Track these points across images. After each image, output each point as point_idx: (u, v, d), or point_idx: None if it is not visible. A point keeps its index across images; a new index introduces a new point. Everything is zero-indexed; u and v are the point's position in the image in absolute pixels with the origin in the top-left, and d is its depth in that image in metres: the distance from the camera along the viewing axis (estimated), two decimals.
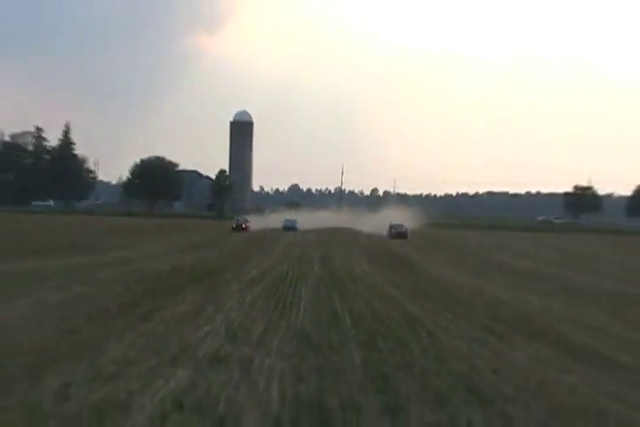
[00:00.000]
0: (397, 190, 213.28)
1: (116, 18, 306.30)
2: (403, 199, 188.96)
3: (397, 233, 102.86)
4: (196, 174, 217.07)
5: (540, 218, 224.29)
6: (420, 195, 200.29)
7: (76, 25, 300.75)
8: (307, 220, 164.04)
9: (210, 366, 20.12)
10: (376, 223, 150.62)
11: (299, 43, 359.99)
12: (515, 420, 16.05)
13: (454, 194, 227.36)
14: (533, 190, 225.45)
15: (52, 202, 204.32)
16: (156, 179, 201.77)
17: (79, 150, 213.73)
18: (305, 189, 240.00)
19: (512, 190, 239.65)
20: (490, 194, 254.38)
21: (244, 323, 27.69)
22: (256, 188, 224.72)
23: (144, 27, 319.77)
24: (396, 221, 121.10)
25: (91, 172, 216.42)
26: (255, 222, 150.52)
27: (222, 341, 24.00)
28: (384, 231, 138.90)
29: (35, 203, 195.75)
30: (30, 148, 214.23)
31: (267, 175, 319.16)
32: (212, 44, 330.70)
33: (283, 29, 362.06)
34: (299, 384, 18.50)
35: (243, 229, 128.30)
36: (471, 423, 15.57)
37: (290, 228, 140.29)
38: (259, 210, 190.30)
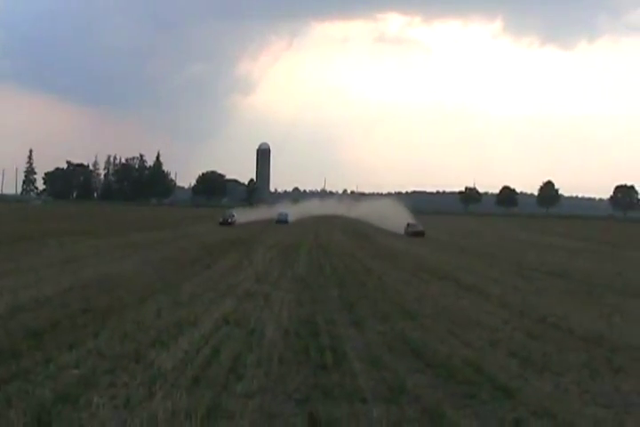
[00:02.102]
0: (360, 190, 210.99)
1: (187, 86, 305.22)
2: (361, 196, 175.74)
3: (414, 232, 70.79)
4: (236, 182, 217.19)
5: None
6: (374, 193, 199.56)
7: (163, 89, 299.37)
8: (302, 208, 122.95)
9: (245, 298, 20.26)
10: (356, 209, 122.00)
11: (301, 98, 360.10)
12: (430, 328, 16.22)
13: (393, 192, 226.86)
14: (434, 190, 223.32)
15: (154, 200, 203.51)
16: (211, 184, 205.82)
17: (165, 167, 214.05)
18: (302, 190, 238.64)
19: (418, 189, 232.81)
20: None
21: (266, 271, 27.83)
22: (272, 189, 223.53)
23: (204, 90, 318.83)
24: (410, 221, 77.49)
25: (172, 180, 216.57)
26: (264, 212, 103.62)
27: (252, 282, 24.15)
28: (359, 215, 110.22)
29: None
30: (136, 166, 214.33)
31: (279, 182, 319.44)
32: (245, 101, 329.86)
33: (291, 89, 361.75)
34: (299, 308, 18.64)
35: (229, 223, 78.95)
36: (404, 330, 15.72)
37: (282, 221, 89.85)
38: (270, 202, 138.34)
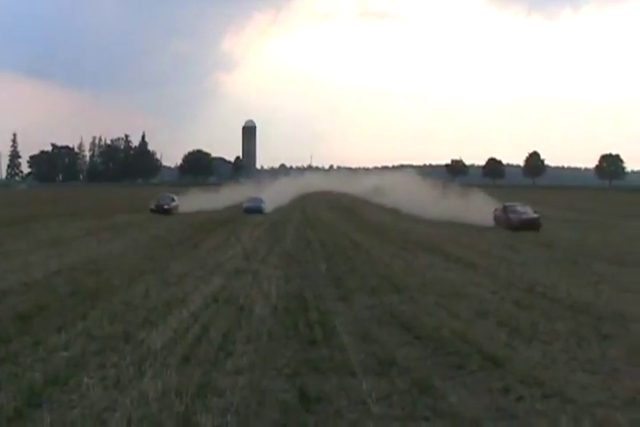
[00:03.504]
0: (346, 165, 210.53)
1: (170, 64, 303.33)
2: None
3: (524, 221, 40.24)
4: (222, 160, 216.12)
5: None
6: (360, 168, 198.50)
7: (146, 68, 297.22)
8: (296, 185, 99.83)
9: (234, 275, 20.26)
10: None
11: (284, 76, 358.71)
12: (418, 301, 16.28)
13: (380, 166, 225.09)
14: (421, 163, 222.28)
15: (140, 180, 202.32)
16: (197, 163, 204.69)
17: (151, 147, 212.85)
18: (288, 166, 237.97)
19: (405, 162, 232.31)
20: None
21: (254, 248, 27.82)
22: (258, 166, 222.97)
23: (189, 69, 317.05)
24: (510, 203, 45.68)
25: (158, 160, 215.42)
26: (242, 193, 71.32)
27: (241, 260, 24.15)
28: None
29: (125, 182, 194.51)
30: (122, 147, 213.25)
31: (265, 158, 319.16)
32: (230, 78, 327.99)
33: (273, 68, 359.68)
34: (287, 284, 18.65)
35: (165, 211, 55.42)
36: (392, 303, 15.77)
37: (253, 210, 56.35)
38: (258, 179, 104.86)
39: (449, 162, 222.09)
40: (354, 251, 27.36)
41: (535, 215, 41.15)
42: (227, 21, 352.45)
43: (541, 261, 24.62)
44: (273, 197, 67.62)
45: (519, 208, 43.15)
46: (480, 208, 47.06)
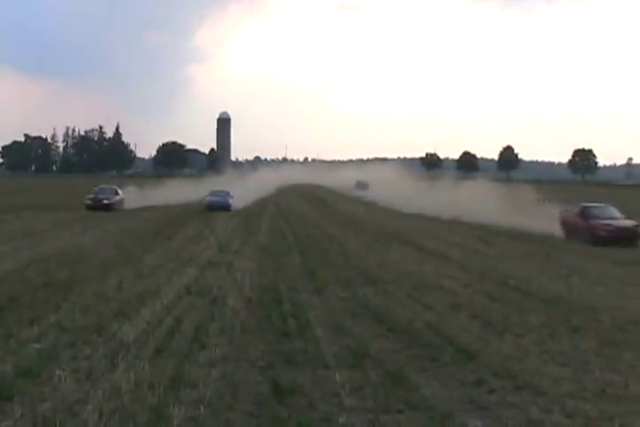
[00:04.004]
0: (321, 158, 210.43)
1: (144, 55, 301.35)
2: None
3: (617, 232, 28.61)
4: (196, 152, 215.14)
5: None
6: (335, 160, 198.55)
7: (120, 59, 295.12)
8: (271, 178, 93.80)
9: (207, 267, 20.22)
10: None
11: (259, 67, 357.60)
12: (391, 292, 16.34)
13: (354, 159, 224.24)
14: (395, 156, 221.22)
15: (114, 172, 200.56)
16: (172, 155, 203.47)
17: (125, 139, 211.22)
18: (263, 158, 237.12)
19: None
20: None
21: (228, 240, 27.77)
22: (233, 158, 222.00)
23: (161, 61, 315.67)
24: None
25: (132, 152, 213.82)
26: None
27: (214, 252, 24.10)
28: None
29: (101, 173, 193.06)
30: (96, 138, 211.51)
31: (239, 150, 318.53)
32: (204, 69, 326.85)
33: (248, 59, 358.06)
34: (261, 277, 18.64)
35: (105, 207, 45.33)
36: (366, 296, 15.80)
37: (217, 206, 47.59)
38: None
39: (423, 155, 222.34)
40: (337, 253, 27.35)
41: (631, 223, 29.99)
42: (201, 12, 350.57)
43: (515, 254, 24.80)
44: (250, 190, 63.70)
45: (606, 211, 31.49)
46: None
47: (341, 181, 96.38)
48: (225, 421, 7.75)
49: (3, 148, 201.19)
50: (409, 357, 10.57)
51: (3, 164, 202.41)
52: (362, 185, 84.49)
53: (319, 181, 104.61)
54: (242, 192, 57.79)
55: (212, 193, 51.47)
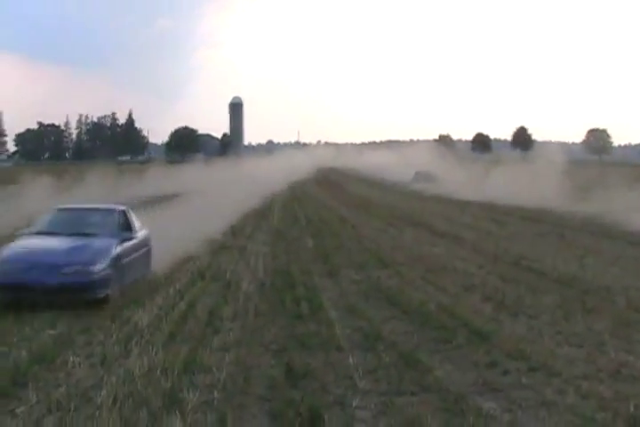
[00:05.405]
0: (333, 141, 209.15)
1: (156, 41, 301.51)
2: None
3: None
4: (209, 137, 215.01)
5: None
6: (347, 143, 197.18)
7: (132, 45, 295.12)
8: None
9: (220, 252, 20.25)
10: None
11: (271, 51, 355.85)
12: (404, 274, 16.31)
13: (367, 142, 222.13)
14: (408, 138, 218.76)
15: (129, 157, 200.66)
16: (184, 140, 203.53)
17: (137, 124, 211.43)
18: (275, 142, 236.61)
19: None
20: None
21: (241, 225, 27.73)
22: (245, 143, 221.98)
23: (175, 45, 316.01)
24: None
25: (145, 137, 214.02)
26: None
27: (228, 236, 24.08)
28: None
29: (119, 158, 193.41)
30: (108, 125, 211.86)
31: (252, 135, 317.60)
32: (216, 54, 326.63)
33: (260, 43, 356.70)
34: (274, 260, 18.66)
35: None
36: (379, 278, 15.79)
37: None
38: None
39: (436, 137, 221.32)
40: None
41: None
42: None
43: (528, 235, 24.67)
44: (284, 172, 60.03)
45: None
46: None
47: (377, 165, 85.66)
48: (238, 404, 7.75)
49: (17, 136, 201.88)
50: (422, 339, 10.54)
51: (17, 152, 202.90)
52: (425, 176, 62.15)
53: (354, 165, 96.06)
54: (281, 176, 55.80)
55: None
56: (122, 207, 15.82)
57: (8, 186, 42.87)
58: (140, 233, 15.50)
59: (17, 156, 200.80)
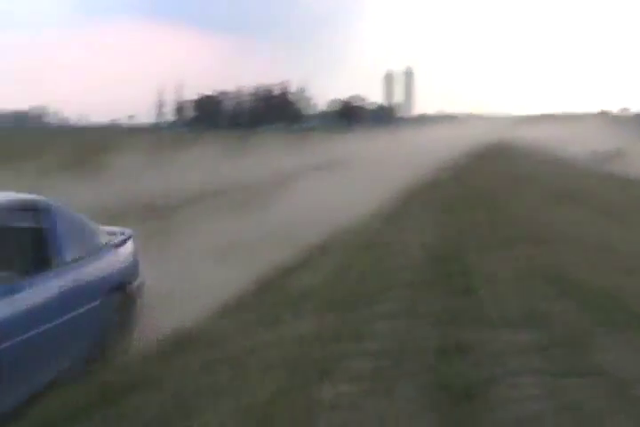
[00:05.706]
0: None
1: (325, 11, 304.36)
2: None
3: None
4: (377, 106, 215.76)
5: None
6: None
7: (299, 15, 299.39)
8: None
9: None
10: None
11: (439, 20, 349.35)
12: (562, 252, 15.38)
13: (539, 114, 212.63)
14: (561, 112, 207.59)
15: (297, 125, 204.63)
16: (351, 109, 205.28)
17: (306, 93, 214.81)
18: (445, 114, 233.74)
19: None
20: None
21: None
22: (414, 113, 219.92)
23: (343, 13, 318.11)
24: None
25: (312, 106, 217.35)
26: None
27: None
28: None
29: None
30: (278, 93, 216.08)
31: (422, 105, 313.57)
32: (372, 26, 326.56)
33: (429, 9, 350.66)
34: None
35: None
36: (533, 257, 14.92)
37: None
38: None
39: (595, 111, 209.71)
40: None
41: None
42: None
43: None
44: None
45: None
46: None
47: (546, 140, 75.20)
48: (389, 377, 7.52)
49: (195, 102, 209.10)
50: (594, 321, 9.79)
51: (196, 117, 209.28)
52: (610, 154, 51.50)
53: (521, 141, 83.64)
54: None
55: None
56: (33, 198, 6.88)
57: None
58: (95, 262, 7.41)
59: (187, 123, 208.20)
